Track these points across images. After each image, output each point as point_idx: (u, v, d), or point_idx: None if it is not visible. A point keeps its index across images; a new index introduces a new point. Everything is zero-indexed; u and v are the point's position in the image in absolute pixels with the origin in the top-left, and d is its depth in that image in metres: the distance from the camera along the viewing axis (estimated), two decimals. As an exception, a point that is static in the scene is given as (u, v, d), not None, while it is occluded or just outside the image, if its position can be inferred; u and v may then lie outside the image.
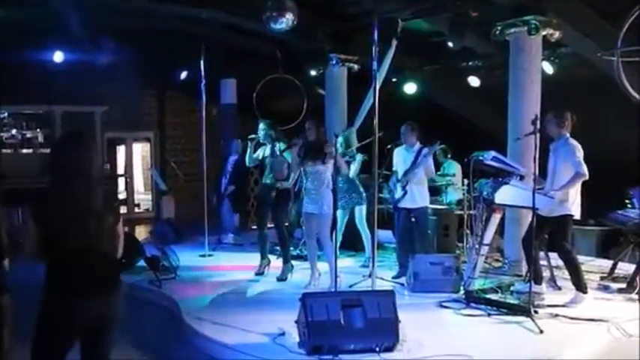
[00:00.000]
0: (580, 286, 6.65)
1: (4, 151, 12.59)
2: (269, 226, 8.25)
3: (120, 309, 3.62)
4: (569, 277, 6.89)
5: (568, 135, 6.63)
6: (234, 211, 10.97)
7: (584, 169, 6.39)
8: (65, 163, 3.44)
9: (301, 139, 7.32)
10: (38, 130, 13.32)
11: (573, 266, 6.68)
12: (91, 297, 3.45)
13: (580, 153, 6.45)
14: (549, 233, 6.87)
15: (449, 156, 10.16)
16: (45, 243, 3.39)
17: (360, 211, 8.65)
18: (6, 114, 13.06)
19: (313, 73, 11.66)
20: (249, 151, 8.13)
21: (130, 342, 6.06)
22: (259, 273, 8.19)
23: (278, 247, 8.36)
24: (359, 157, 8.51)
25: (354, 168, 8.44)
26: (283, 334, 5.57)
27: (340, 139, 8.27)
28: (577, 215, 6.65)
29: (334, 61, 11.13)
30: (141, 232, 13.10)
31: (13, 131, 12.99)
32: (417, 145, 7.88)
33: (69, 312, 3.40)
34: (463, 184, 9.41)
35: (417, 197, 7.81)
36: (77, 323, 3.43)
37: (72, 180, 3.41)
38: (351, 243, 9.20)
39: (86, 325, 3.48)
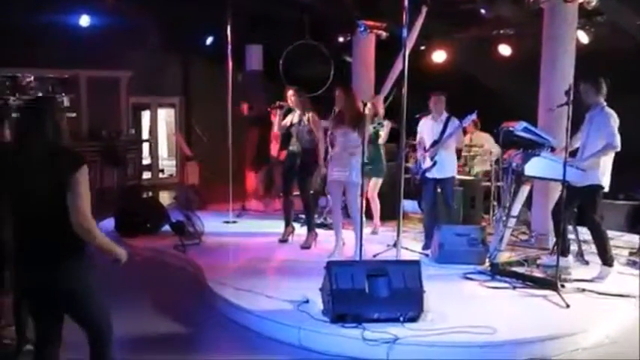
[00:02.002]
0: (606, 259, 6.54)
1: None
2: (294, 193, 8.21)
3: (80, 281, 3.37)
4: (596, 252, 6.80)
5: (605, 103, 6.45)
6: None
7: (617, 140, 6.23)
8: (20, 125, 3.42)
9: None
10: (63, 94, 13.37)
11: (601, 239, 6.57)
12: (32, 268, 3.33)
13: (615, 123, 6.28)
14: (578, 205, 6.73)
15: (478, 126, 10.00)
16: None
17: (376, 183, 8.60)
18: (32, 78, 13.11)
19: (340, 39, 11.54)
20: (277, 118, 8.02)
21: (154, 306, 6.11)
22: (283, 240, 8.19)
23: (302, 215, 8.34)
24: (386, 122, 8.43)
25: (382, 134, 8.39)
26: (307, 301, 5.57)
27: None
28: (606, 187, 6.51)
29: (362, 28, 10.97)
30: (165, 198, 13.16)
31: (39, 95, 13.04)
32: (445, 115, 7.76)
33: (19, 280, 3.41)
34: (491, 154, 9.30)
35: (447, 167, 7.72)
36: (32, 292, 3.41)
37: (23, 142, 3.34)
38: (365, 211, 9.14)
39: (44, 296, 3.39)
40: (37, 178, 3.25)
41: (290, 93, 7.88)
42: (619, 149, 6.28)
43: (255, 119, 10.80)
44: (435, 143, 7.68)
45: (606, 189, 6.53)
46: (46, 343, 3.54)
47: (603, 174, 6.42)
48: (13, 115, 5.57)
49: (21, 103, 12.43)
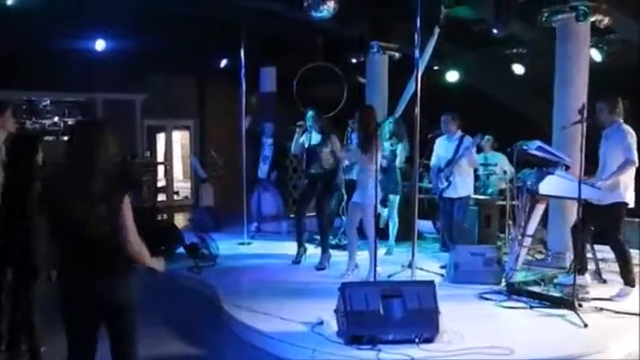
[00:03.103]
0: (629, 279, 6.47)
1: (46, 138, 12.77)
2: (308, 214, 8.21)
3: (130, 295, 3.54)
4: (615, 270, 6.72)
5: (621, 120, 6.43)
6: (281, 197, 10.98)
7: (635, 155, 6.22)
8: (72, 148, 3.49)
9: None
10: (80, 117, 13.50)
11: (624, 259, 6.49)
12: (91, 282, 3.41)
13: (633, 139, 6.26)
14: (600, 223, 6.66)
15: (489, 145, 9.96)
16: (53, 225, 3.48)
17: (393, 200, 8.59)
18: (48, 101, 13.26)
19: (354, 61, 11.58)
20: (295, 137, 8.03)
21: (169, 328, 6.11)
22: (297, 262, 8.18)
23: (317, 236, 8.33)
24: (401, 145, 8.44)
25: (400, 157, 8.38)
26: (322, 323, 5.54)
27: (388, 127, 8.25)
28: (631, 203, 6.44)
29: (375, 49, 11.03)
30: (180, 220, 13.20)
31: (55, 119, 13.21)
32: (458, 134, 7.80)
33: (72, 296, 3.46)
34: (505, 174, 9.27)
35: (459, 187, 7.75)
36: (82, 307, 3.45)
37: (74, 164, 3.43)
38: (381, 231, 9.09)
39: (94, 309, 3.47)
40: (92, 198, 3.34)
41: (309, 114, 7.93)
42: (637, 164, 6.26)
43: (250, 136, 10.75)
44: (449, 163, 7.71)
45: (631, 204, 6.46)
46: None
47: (626, 190, 6.36)
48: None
49: (37, 127, 12.60)
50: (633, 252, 6.75)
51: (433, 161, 8.09)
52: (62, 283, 3.51)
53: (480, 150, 9.47)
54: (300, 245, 8.27)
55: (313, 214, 8.31)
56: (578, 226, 6.23)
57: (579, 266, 6.58)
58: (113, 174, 3.44)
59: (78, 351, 3.53)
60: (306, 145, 7.98)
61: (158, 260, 3.68)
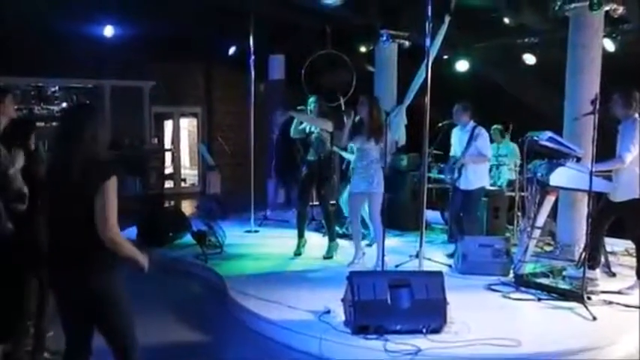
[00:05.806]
0: None
1: (54, 124, 12.79)
2: (314, 203, 8.16)
3: (110, 288, 3.35)
4: (624, 263, 6.65)
5: (637, 116, 6.24)
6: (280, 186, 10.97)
7: (627, 156, 6.04)
8: (57, 133, 3.42)
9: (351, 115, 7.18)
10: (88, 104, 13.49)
11: None
12: (69, 274, 3.32)
13: None
14: (621, 219, 6.51)
15: (506, 136, 9.85)
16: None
17: None
18: (57, 87, 13.26)
19: (363, 49, 11.51)
20: (295, 121, 7.89)
21: (176, 315, 6.11)
22: (297, 253, 8.03)
23: (324, 225, 8.28)
24: None
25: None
26: (329, 312, 5.53)
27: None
28: None
29: (385, 37, 10.93)
30: (187, 207, 13.19)
31: (64, 104, 13.20)
32: (471, 124, 7.72)
33: (56, 288, 3.44)
34: (515, 166, 9.19)
35: (471, 178, 7.66)
36: (64, 300, 3.41)
37: (58, 150, 3.38)
38: (398, 223, 9.03)
39: (74, 302, 3.39)
40: (70, 185, 3.25)
41: (311, 100, 7.83)
42: (624, 164, 6.10)
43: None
44: (463, 154, 7.66)
45: None
46: (74, 354, 3.51)
47: None
48: (38, 124, 5.59)
49: (45, 113, 12.62)
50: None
51: (452, 152, 8.03)
52: (48, 275, 3.46)
53: (491, 141, 9.40)
54: (301, 236, 8.14)
55: (318, 203, 8.25)
56: (595, 219, 6.14)
57: (591, 262, 6.51)
58: (95, 162, 3.29)
59: (72, 344, 3.50)
60: (307, 131, 7.86)
61: (143, 257, 3.44)
